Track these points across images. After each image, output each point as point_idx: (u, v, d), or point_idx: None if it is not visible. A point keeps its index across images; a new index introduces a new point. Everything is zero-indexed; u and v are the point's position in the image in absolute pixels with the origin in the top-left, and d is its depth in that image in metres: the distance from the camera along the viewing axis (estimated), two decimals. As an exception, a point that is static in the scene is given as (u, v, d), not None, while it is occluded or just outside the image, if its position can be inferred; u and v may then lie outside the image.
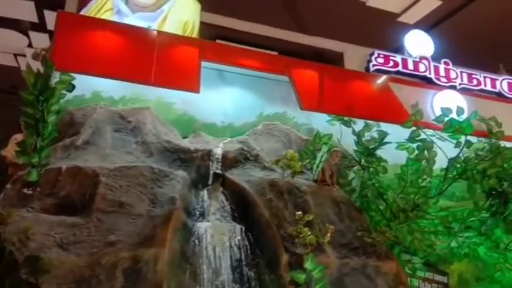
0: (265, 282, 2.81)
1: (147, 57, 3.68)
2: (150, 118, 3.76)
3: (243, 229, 3.06)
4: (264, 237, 2.99)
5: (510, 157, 3.76)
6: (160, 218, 2.73)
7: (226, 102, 4.27)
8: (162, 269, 2.43)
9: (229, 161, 3.63)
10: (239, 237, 3.00)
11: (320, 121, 4.26)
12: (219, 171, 3.54)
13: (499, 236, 3.77)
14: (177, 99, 3.98)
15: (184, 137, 3.92)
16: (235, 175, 3.51)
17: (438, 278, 3.74)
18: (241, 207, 3.27)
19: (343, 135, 3.96)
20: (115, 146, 3.49)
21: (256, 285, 2.80)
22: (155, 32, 3.92)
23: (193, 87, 3.71)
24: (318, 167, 3.72)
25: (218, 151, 3.64)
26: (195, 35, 4.50)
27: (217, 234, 2.98)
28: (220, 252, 2.92)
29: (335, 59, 5.84)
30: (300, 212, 2.98)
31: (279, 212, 3.15)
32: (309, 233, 2.85)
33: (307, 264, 2.67)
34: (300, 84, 4.14)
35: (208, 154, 3.59)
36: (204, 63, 3.87)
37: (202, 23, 4.67)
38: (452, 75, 4.91)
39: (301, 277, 2.64)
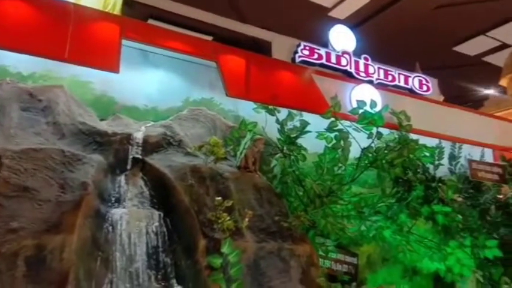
0: (181, 268, 2.80)
1: (62, 31, 3.41)
2: (63, 97, 3.50)
3: (162, 215, 3.01)
4: (183, 223, 2.97)
5: (415, 148, 4.10)
6: (69, 204, 2.57)
7: (150, 85, 4.12)
8: (68, 257, 2.31)
9: (151, 146, 3.53)
10: (157, 224, 2.95)
11: (246, 109, 4.30)
12: (139, 156, 3.42)
13: (403, 220, 4.12)
14: (94, 78, 3.75)
15: (102, 120, 3.72)
16: (156, 160, 3.42)
17: (349, 259, 4.02)
18: (161, 193, 3.20)
19: (268, 124, 4.04)
20: (22, 126, 3.21)
21: (172, 271, 2.79)
22: (71, 5, 3.63)
23: (112, 67, 3.51)
24: (241, 153, 3.77)
25: (139, 135, 3.52)
26: (117, 11, 4.26)
27: (134, 221, 2.90)
28: (136, 239, 2.84)
29: (266, 48, 5.92)
30: (219, 198, 2.99)
31: (199, 198, 3.15)
32: (228, 218, 2.89)
33: (224, 249, 2.71)
34: (226, 71, 4.13)
35: (127, 138, 3.45)
36: (125, 42, 3.68)
37: (136, 2, 4.45)
38: (371, 70, 5.24)
39: (217, 261, 2.67)
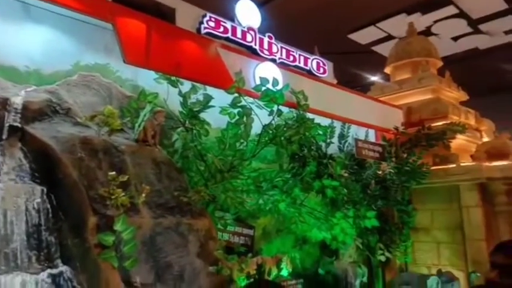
0: (67, 247, 2.57)
1: None
2: None
3: (45, 190, 2.71)
4: (70, 199, 2.72)
5: (311, 127, 4.35)
6: None
7: (33, 44, 3.60)
8: None
9: (32, 113, 3.11)
10: (39, 200, 2.65)
11: (147, 78, 4.04)
12: (17, 124, 3.00)
13: (297, 194, 4.38)
14: (-41, 30, 3.14)
15: (-31, 80, 3.15)
16: (38, 130, 3.03)
17: (246, 231, 4.15)
18: (45, 166, 2.87)
19: (170, 96, 3.87)
20: None
21: (56, 251, 2.55)
22: None
23: (-17, 18, 2.97)
24: (140, 126, 3.55)
25: (17, 100, 3.07)
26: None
27: (10, 197, 2.55)
28: (13, 217, 2.52)
29: (170, 15, 5.59)
30: (113, 172, 2.80)
31: (90, 172, 2.90)
32: (122, 194, 2.72)
33: (117, 226, 2.55)
34: (124, 35, 3.80)
35: (3, 103, 2.99)
36: (0, -10, 3.13)
37: None
38: (274, 49, 5.35)
39: (109, 239, 2.51)
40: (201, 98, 3.90)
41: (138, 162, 3.29)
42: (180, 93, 3.85)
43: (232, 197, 3.65)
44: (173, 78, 3.87)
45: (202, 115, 3.89)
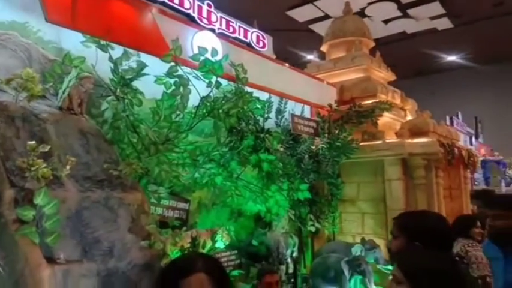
0: (-21, 224, 2.32)
1: None
2: None
3: (-50, 161, 2.39)
4: (-18, 171, 2.43)
5: (249, 100, 4.32)
6: None
7: None
8: None
9: None
10: None
11: (73, 41, 3.69)
12: None
13: (234, 167, 4.38)
14: None
15: None
16: None
17: (180, 205, 4.09)
18: (-52, 134, 2.53)
19: (99, 61, 3.58)
20: None
21: (-35, 229, 2.29)
22: None
23: None
24: (64, 92, 3.26)
25: None
26: None
27: None
28: None
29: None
30: (33, 142, 2.54)
31: (6, 142, 2.62)
32: (44, 165, 2.49)
33: (38, 200, 2.34)
34: (46, -11, 3.41)
35: None
36: None
37: None
38: (213, 18, 5.17)
39: (28, 214, 2.30)
40: (134, 65, 3.66)
41: (63, 132, 3.04)
42: (110, 58, 3.58)
43: (167, 171, 3.54)
44: (103, 42, 3.58)
45: (135, 84, 3.66)
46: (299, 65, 8.99)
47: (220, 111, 4.05)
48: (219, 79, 4.00)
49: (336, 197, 6.10)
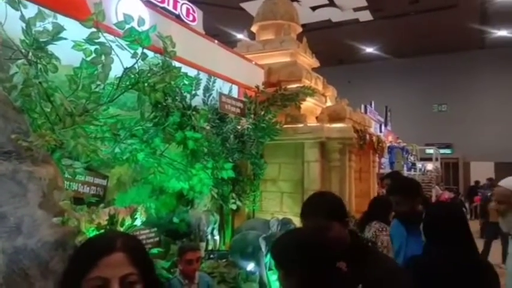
0: None
1: None
2: None
3: None
4: None
5: (177, 76, 4.21)
6: None
7: None
8: None
9: None
10: None
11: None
12: None
13: (157, 144, 4.26)
14: None
15: None
16: None
17: (98, 181, 3.89)
18: None
19: (9, 20, 3.19)
20: None
21: None
22: None
23: None
24: (-38, 50, 2.86)
25: None
26: None
27: None
28: None
29: None
30: None
31: None
32: None
33: None
34: None
35: None
36: None
37: None
38: (142, -15, 4.87)
39: None
40: (49, 27, 3.33)
41: (-39, 96, 2.69)
42: (22, 17, 3.20)
43: (83, 144, 3.32)
44: (13, -2, 3.18)
45: (51, 48, 3.34)
46: (229, 43, 8.92)
47: (146, 84, 3.88)
48: (145, 50, 3.82)
49: (258, 177, 6.29)
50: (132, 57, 3.77)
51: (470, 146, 22.16)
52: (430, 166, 17.65)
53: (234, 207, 5.75)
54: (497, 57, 21.97)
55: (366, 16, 17.76)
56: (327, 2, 16.02)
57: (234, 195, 5.77)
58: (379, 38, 21.14)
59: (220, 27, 17.09)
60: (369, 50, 22.98)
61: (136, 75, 3.82)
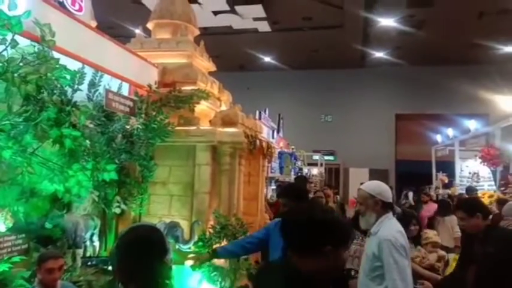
0: None
1: None
2: None
3: None
4: None
5: (55, 67, 3.86)
6: None
7: None
8: None
9: None
10: None
11: None
12: None
13: (28, 141, 3.85)
14: None
15: None
16: None
17: None
18: None
19: None
20: None
21: None
22: None
23: None
24: None
25: None
26: None
27: None
28: None
29: None
30: None
31: None
32: None
33: None
34: None
35: None
36: None
37: None
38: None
39: None
40: None
41: None
42: None
43: None
44: None
45: None
46: (125, 38, 8.48)
47: (16, 75, 3.49)
48: (19, 38, 3.44)
49: (147, 179, 6.08)
50: (1, 43, 3.37)
51: (350, 154, 24.69)
52: (315, 171, 19.19)
53: (117, 211, 5.47)
54: (375, 76, 24.94)
55: (264, 27, 18.57)
56: (229, 9, 16.33)
57: (119, 198, 5.50)
58: (277, 49, 22.31)
59: (116, 21, 16.18)
60: (267, 59, 24.05)
61: (5, 63, 3.41)
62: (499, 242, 3.73)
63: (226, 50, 19.44)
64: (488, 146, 12.18)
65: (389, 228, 3.55)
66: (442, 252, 5.75)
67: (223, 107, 8.06)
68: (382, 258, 3.39)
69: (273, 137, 14.26)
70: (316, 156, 21.52)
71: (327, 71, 24.89)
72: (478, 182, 12.99)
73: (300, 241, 1.89)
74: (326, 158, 23.22)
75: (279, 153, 12.70)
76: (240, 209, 6.74)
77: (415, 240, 5.48)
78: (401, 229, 3.63)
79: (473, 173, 13.57)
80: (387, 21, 17.47)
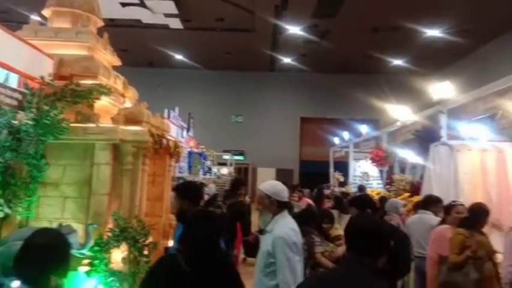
0: None
1: None
2: None
3: None
4: None
5: None
6: None
7: None
8: None
9: None
10: None
11: None
12: None
13: None
14: None
15: None
16: None
17: None
18: None
19: None
20: None
21: None
22: None
23: None
24: None
25: None
26: None
27: None
28: None
29: None
30: None
31: None
32: None
33: None
34: None
35: None
36: None
37: None
38: None
39: None
40: None
41: None
42: None
43: None
44: None
45: None
46: (19, 24, 7.63)
47: None
48: None
49: (36, 180, 5.57)
50: None
51: (258, 154, 25.54)
52: (224, 170, 19.43)
53: (0, 215, 4.93)
54: (283, 80, 26.16)
55: (176, 24, 18.25)
56: (138, 2, 15.71)
57: (2, 201, 4.95)
58: (189, 48, 22.08)
59: (10, 6, 14.50)
60: (179, 57, 23.65)
61: None
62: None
63: (135, 45, 18.69)
64: (377, 148, 13.62)
65: (283, 226, 3.77)
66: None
67: (128, 104, 7.73)
68: (276, 254, 3.59)
69: (182, 136, 14.09)
70: (226, 156, 21.80)
71: (238, 73, 25.38)
72: (367, 180, 14.45)
73: None
74: (236, 157, 23.65)
75: (188, 152, 12.60)
76: (143, 211, 6.54)
77: (326, 236, 6.10)
78: (295, 226, 3.88)
79: (364, 172, 15.04)
80: (294, 29, 18.48)
